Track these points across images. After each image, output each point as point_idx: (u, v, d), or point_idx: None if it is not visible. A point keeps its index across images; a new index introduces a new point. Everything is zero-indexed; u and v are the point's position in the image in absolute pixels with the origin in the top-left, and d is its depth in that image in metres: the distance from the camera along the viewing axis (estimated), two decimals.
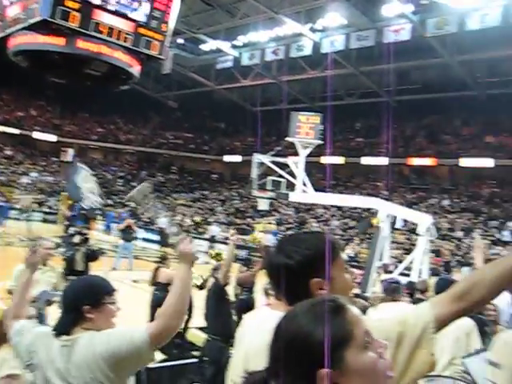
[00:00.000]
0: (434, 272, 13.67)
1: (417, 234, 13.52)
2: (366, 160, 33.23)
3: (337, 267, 1.76)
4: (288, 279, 1.67)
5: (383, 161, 31.94)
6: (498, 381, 2.71)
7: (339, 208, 27.59)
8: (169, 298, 2.50)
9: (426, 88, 30.88)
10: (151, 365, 5.73)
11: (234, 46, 34.10)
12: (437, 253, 20.42)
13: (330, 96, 32.00)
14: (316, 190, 16.39)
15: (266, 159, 16.93)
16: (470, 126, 32.33)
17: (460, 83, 29.59)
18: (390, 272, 12.08)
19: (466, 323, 4.13)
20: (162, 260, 9.77)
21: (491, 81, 28.86)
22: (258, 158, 17.05)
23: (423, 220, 13.11)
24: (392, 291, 5.55)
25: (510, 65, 28.03)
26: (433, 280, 8.74)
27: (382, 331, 1.46)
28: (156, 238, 25.20)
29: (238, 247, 19.52)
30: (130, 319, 3.23)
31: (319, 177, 32.17)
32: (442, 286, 5.39)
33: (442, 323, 1.62)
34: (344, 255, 1.90)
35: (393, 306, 5.40)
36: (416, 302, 6.01)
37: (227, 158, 40.28)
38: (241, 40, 33.32)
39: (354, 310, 1.22)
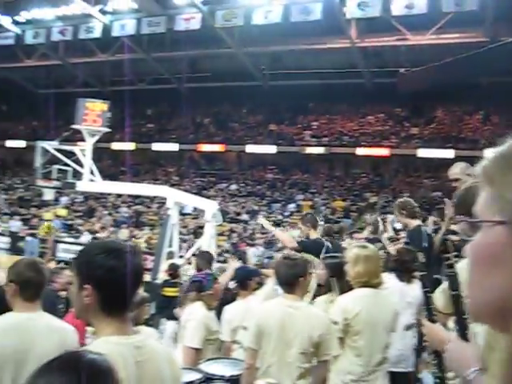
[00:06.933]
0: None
1: (204, 220, 14.04)
2: (156, 146, 33.25)
3: None
4: None
5: (174, 147, 32.40)
6: None
7: (131, 194, 27.28)
8: None
9: (216, 77, 31.73)
10: None
11: (16, 22, 31.71)
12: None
13: (123, 81, 31.32)
14: (106, 176, 16.08)
15: (51, 146, 16.09)
16: (255, 114, 34.15)
17: (247, 74, 30.97)
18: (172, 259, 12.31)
19: None
20: None
21: (273, 73, 30.69)
22: (41, 145, 16.16)
23: (209, 206, 13.66)
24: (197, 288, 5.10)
25: (289, 59, 30.14)
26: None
27: None
28: None
29: None
30: None
31: (109, 163, 31.72)
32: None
33: None
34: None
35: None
36: None
37: (10, 143, 37.35)
38: (24, 16, 31.07)
39: None
